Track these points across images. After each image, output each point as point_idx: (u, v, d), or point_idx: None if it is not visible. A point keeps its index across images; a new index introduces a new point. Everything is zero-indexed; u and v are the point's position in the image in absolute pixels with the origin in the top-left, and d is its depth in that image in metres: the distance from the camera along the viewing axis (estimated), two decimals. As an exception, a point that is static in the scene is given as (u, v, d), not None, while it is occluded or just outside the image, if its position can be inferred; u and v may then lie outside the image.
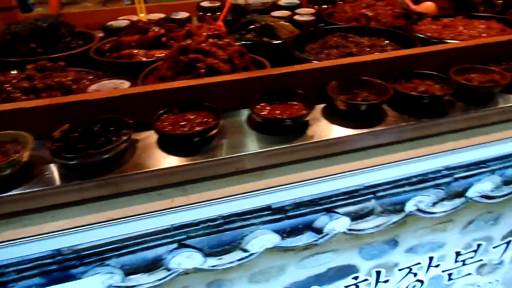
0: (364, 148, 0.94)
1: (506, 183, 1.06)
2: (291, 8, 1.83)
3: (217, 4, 1.83)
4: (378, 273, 1.14)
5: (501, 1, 1.83)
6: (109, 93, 0.94)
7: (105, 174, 0.80)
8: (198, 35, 1.11)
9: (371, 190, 0.94)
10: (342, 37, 1.39)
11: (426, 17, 1.56)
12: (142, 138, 0.92)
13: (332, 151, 0.92)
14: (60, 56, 1.34)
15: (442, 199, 1.02)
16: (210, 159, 0.85)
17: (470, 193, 1.04)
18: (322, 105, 1.03)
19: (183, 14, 1.81)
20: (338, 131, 0.92)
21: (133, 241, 0.84)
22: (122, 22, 1.68)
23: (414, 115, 0.97)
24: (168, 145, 0.89)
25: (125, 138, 0.85)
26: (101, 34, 1.68)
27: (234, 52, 1.12)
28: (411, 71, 1.08)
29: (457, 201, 1.04)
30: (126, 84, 1.08)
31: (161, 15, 1.82)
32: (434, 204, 1.02)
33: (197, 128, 0.88)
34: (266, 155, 0.88)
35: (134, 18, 1.72)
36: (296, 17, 1.68)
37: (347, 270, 1.10)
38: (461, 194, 1.03)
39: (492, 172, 1.02)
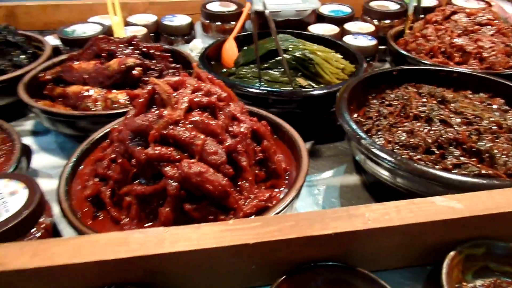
0: None
1: None
2: (339, 20, 1.25)
3: (231, 8, 1.27)
4: None
5: None
6: None
7: None
8: (171, 103, 0.56)
9: None
10: (429, 95, 0.82)
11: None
12: None
13: None
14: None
15: None
16: None
17: None
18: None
19: (182, 19, 1.25)
20: None
21: None
22: (92, 27, 1.13)
23: None
24: None
25: None
26: (57, 42, 1.15)
27: (242, 138, 0.58)
28: None
29: None
30: (20, 195, 0.54)
31: (152, 17, 1.27)
32: None
33: None
34: None
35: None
36: (350, 40, 1.10)
37: None
38: None
39: None
